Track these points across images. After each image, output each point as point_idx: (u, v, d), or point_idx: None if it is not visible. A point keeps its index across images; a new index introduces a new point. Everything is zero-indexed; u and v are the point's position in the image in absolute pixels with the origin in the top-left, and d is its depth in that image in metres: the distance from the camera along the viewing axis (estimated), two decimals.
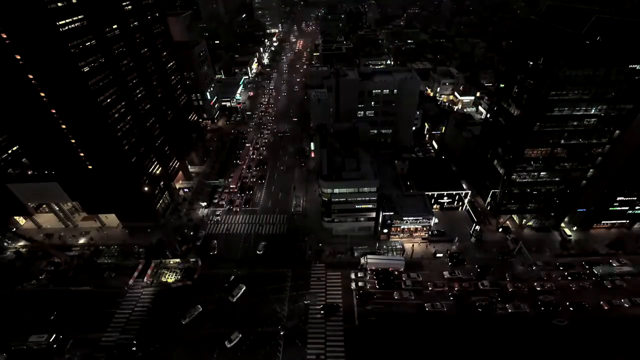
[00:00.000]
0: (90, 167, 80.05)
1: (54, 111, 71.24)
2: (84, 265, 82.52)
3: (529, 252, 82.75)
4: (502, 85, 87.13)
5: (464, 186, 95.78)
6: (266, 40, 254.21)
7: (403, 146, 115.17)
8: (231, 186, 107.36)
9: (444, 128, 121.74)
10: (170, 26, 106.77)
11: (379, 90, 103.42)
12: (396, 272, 78.92)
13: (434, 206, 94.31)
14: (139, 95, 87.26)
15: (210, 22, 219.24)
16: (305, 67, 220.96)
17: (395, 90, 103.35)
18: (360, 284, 77.14)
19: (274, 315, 70.93)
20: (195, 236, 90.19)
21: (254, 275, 79.53)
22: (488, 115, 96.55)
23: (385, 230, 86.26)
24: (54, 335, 66.82)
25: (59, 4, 62.34)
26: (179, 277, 79.01)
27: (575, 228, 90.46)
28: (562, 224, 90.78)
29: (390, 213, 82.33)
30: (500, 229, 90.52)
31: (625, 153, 75.44)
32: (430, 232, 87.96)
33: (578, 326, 67.65)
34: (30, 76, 66.20)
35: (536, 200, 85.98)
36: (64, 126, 73.58)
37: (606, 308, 70.43)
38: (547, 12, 75.02)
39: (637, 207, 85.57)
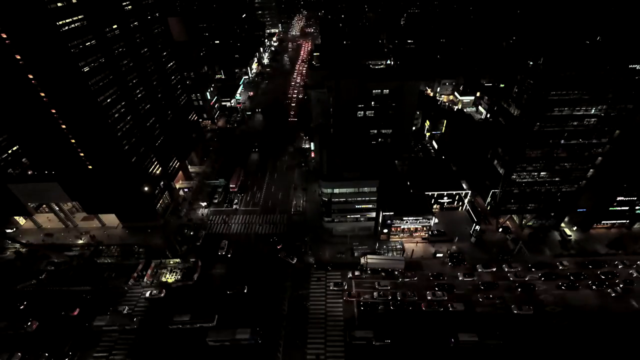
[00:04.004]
0: (90, 167, 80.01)
1: (54, 111, 71.20)
2: (84, 265, 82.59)
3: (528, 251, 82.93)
4: (502, 85, 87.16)
5: (464, 186, 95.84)
6: (266, 40, 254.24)
7: (403, 146, 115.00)
8: (231, 185, 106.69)
9: (443, 128, 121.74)
10: (170, 26, 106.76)
11: (379, 91, 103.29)
12: (396, 272, 79.10)
13: (434, 206, 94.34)
14: (139, 95, 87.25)
15: (210, 22, 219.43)
16: (305, 67, 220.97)
17: (395, 90, 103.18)
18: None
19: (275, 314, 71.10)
20: (196, 236, 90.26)
21: (254, 275, 79.71)
22: (488, 115, 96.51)
23: (385, 230, 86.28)
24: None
25: (59, 4, 62.33)
26: (179, 277, 79.13)
27: (575, 228, 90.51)
28: (562, 224, 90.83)
29: (391, 213, 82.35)
30: (500, 229, 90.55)
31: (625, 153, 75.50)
32: (430, 232, 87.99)
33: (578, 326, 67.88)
34: (30, 76, 66.17)
35: (536, 200, 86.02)
36: (64, 126, 73.54)
37: None
38: None
39: (637, 207, 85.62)
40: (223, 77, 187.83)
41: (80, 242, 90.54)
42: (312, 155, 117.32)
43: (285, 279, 78.91)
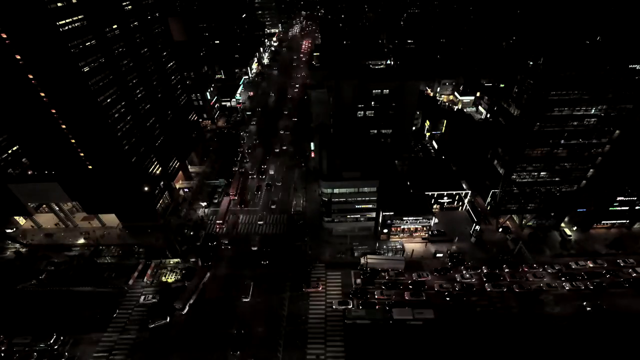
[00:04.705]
0: (90, 167, 80.00)
1: (54, 111, 71.20)
2: (84, 265, 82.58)
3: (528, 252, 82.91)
4: (502, 85, 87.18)
5: (464, 186, 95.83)
6: (266, 40, 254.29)
7: (403, 146, 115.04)
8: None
9: (443, 128, 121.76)
10: (170, 26, 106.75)
11: (379, 91, 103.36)
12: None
13: (434, 206, 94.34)
14: (139, 95, 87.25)
15: (210, 22, 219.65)
16: (305, 67, 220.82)
17: (395, 90, 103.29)
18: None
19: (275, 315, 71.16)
20: (196, 236, 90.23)
21: (254, 275, 79.69)
22: (488, 115, 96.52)
23: (385, 230, 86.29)
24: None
25: (59, 4, 62.33)
26: (179, 277, 79.13)
27: (575, 228, 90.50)
28: (562, 224, 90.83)
29: (391, 213, 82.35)
30: (500, 229, 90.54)
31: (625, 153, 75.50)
32: (430, 232, 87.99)
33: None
34: (30, 76, 66.17)
35: (536, 200, 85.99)
36: (64, 126, 73.54)
37: None
38: None
39: (637, 207, 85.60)
40: (223, 77, 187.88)
41: (81, 241, 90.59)
42: (312, 155, 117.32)
43: (285, 279, 78.96)
